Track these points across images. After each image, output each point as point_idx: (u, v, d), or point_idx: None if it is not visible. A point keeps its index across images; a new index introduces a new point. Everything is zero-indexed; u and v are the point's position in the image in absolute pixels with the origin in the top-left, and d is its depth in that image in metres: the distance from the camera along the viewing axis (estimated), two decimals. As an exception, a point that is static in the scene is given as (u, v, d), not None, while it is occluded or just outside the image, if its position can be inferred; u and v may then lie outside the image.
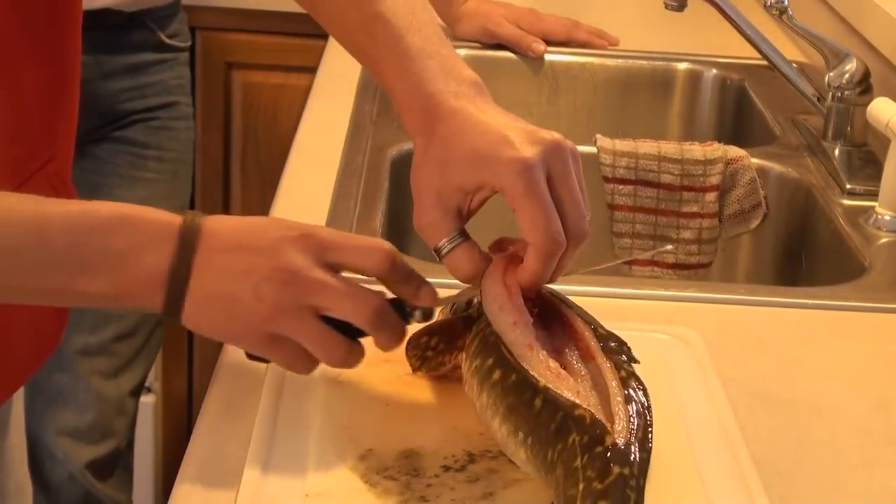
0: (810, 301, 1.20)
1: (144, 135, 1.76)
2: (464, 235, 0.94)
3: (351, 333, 0.91)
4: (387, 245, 0.92)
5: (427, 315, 0.94)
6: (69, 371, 1.75)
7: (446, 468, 0.88)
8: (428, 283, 0.93)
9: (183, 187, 1.82)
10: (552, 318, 0.93)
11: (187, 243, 0.89)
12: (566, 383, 0.85)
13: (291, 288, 0.88)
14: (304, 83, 1.88)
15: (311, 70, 1.81)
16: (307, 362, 0.91)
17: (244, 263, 0.88)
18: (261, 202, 2.11)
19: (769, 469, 0.91)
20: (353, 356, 0.91)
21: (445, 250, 0.94)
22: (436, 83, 0.97)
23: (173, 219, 0.90)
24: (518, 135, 0.92)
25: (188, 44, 1.85)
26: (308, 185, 1.39)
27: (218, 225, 0.90)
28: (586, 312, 0.95)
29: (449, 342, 0.96)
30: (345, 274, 0.91)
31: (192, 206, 2.10)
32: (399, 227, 1.42)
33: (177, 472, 0.90)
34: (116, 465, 1.81)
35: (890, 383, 1.07)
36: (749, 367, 1.07)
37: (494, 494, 0.86)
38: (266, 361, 0.94)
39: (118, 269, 0.88)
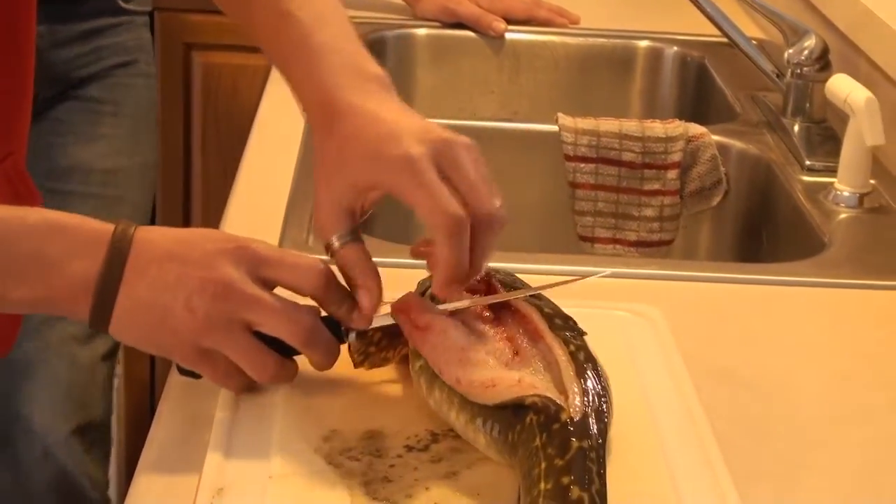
0: (771, 277, 1.20)
1: (98, 91, 1.73)
2: (353, 234, 0.92)
3: (285, 349, 0.90)
4: (322, 266, 0.91)
5: (362, 336, 0.93)
6: (36, 340, 1.72)
7: (409, 448, 0.88)
8: (362, 306, 0.92)
9: (146, 147, 1.78)
10: (500, 307, 0.92)
11: (118, 251, 0.87)
12: (501, 387, 0.85)
13: (223, 301, 0.87)
14: (265, 63, 1.87)
15: (272, 50, 1.79)
16: (239, 378, 0.90)
17: (176, 274, 0.87)
18: (222, 183, 2.10)
19: (731, 445, 0.91)
20: (285, 372, 0.91)
21: (334, 247, 0.92)
22: (336, 78, 0.96)
23: (104, 227, 0.88)
24: (407, 133, 0.91)
25: (148, 8, 1.82)
26: (269, 166, 1.39)
27: (151, 235, 0.89)
28: (536, 292, 0.94)
29: (392, 338, 0.94)
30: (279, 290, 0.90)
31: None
32: (361, 208, 1.41)
33: (139, 454, 0.90)
34: (93, 438, 1.79)
35: (849, 358, 1.08)
36: (710, 344, 1.07)
37: (458, 474, 0.86)
38: (198, 377, 0.92)
39: (46, 275, 0.87)
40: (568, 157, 1.53)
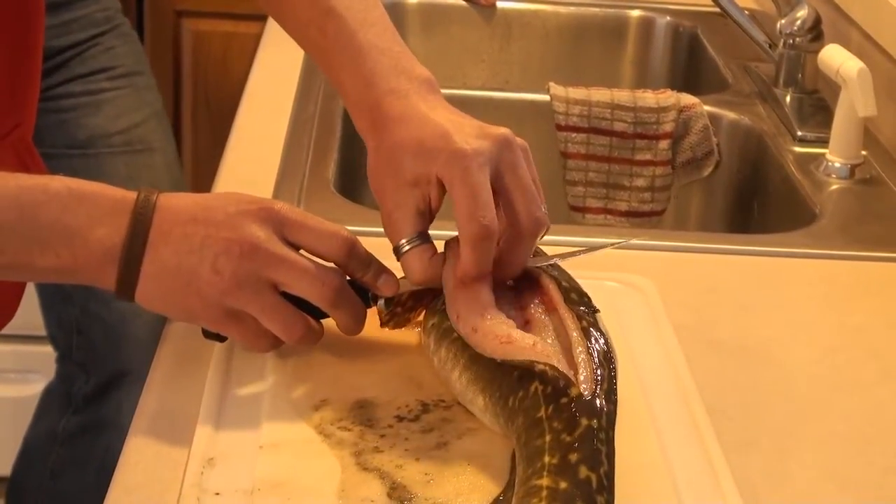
0: (762, 248, 1.20)
1: (83, 67, 1.73)
2: (423, 238, 0.92)
3: (313, 312, 0.91)
4: (346, 233, 0.91)
5: (390, 302, 0.94)
6: None
7: (400, 418, 0.88)
8: (388, 272, 0.92)
9: (150, 96, 1.79)
10: (521, 277, 0.93)
11: (142, 217, 0.87)
12: (515, 346, 0.85)
13: (250, 261, 0.87)
14: (255, 31, 1.86)
15: (262, 18, 1.79)
16: (266, 340, 0.91)
17: (201, 237, 0.87)
18: (212, 152, 2.09)
19: (721, 415, 0.92)
20: (312, 334, 0.91)
21: (402, 251, 0.92)
22: (386, 81, 0.95)
23: (126, 194, 0.89)
24: (464, 128, 0.90)
25: None
26: (259, 135, 1.38)
27: (174, 200, 0.89)
28: (556, 266, 0.95)
29: (418, 300, 0.95)
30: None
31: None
32: (351, 177, 1.41)
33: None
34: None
35: (839, 329, 1.08)
36: (701, 314, 1.07)
37: (448, 444, 0.86)
38: (223, 340, 0.93)
39: (70, 244, 0.87)
40: (559, 127, 1.53)
